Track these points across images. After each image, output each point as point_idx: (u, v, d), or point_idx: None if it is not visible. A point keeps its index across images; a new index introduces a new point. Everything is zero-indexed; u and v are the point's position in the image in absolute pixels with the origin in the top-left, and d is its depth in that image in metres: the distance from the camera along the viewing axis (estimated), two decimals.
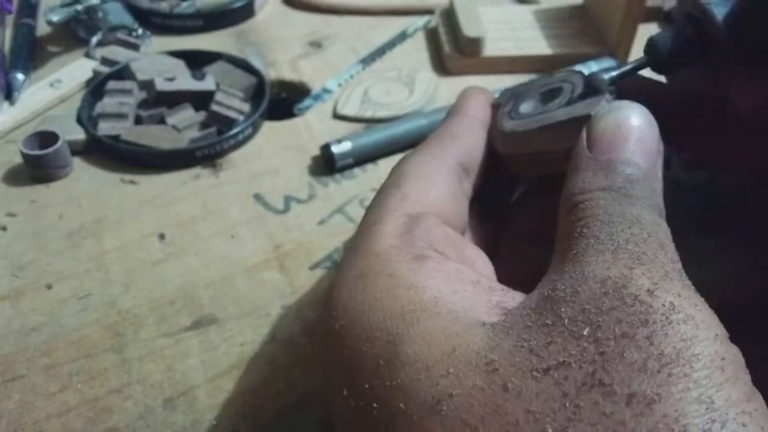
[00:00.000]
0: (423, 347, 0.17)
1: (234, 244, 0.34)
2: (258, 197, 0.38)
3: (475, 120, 0.26)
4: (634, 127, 0.20)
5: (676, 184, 0.33)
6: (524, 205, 0.28)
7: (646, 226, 0.18)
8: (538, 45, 0.49)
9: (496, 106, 0.27)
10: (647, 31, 0.54)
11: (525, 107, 0.25)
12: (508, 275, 0.22)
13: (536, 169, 0.26)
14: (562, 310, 0.16)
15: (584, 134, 0.21)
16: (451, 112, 0.27)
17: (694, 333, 0.15)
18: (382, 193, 0.23)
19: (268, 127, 0.43)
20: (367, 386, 0.17)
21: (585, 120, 0.21)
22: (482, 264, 0.22)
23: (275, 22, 0.56)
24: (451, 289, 0.19)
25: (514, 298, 0.19)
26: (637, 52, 0.48)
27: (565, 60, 0.47)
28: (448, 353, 0.17)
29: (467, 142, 0.25)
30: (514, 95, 0.26)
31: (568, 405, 0.15)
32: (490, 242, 0.26)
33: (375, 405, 0.17)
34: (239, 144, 0.41)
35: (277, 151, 0.41)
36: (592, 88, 0.23)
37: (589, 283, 0.17)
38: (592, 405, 0.15)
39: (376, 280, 0.19)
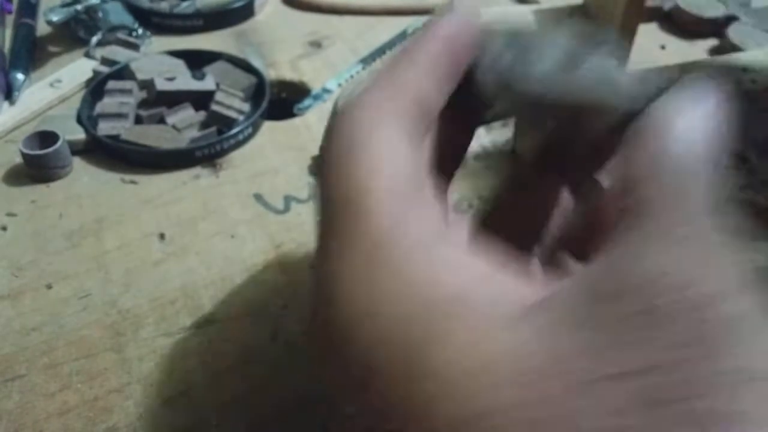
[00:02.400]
0: (450, 354, 0.15)
1: (234, 244, 0.34)
2: (258, 197, 0.38)
3: (441, 63, 0.21)
4: (696, 115, 0.18)
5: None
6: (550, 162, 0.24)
7: (710, 221, 0.16)
8: None
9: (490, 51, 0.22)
10: (647, 31, 0.54)
11: (545, 60, 0.21)
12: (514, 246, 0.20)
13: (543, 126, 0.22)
14: (619, 304, 0.14)
15: (646, 114, 0.18)
16: (415, 40, 0.21)
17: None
18: (347, 155, 0.18)
19: (268, 127, 0.43)
20: (380, 401, 0.15)
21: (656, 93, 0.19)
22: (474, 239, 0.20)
23: (275, 22, 0.56)
24: (471, 279, 0.16)
25: (537, 289, 0.16)
26: (637, 52, 0.48)
27: None
28: (481, 361, 0.14)
29: (424, 89, 0.20)
30: (515, 45, 0.21)
31: (650, 417, 0.13)
32: (447, 204, 0.22)
33: (392, 420, 0.15)
34: (239, 144, 0.41)
35: (277, 151, 0.41)
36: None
37: (654, 277, 0.14)
38: (679, 416, 0.13)
39: (381, 276, 0.16)
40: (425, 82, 0.20)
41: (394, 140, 0.19)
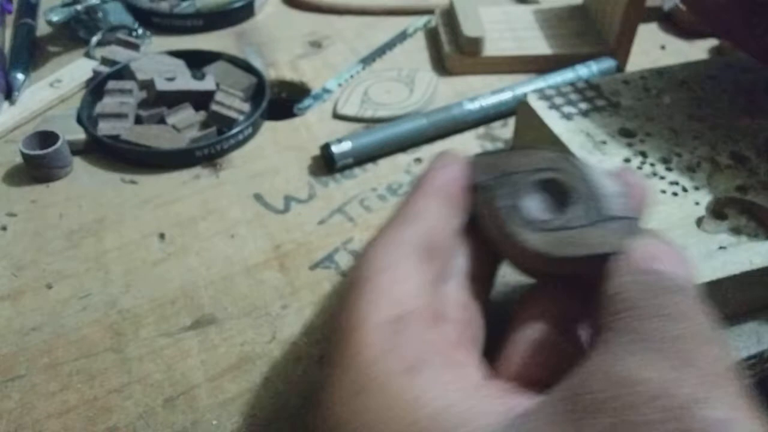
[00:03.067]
0: None
1: (234, 244, 0.34)
2: (258, 197, 0.38)
3: (442, 197, 0.24)
4: (669, 254, 0.20)
5: None
6: (543, 290, 0.25)
7: (691, 319, 0.17)
8: (538, 45, 0.49)
9: (478, 188, 0.24)
10: (647, 31, 0.54)
11: (532, 208, 0.23)
12: (520, 367, 0.21)
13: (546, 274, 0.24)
14: (598, 417, 0.15)
15: (620, 251, 0.20)
16: (416, 186, 0.24)
17: None
18: (353, 289, 0.21)
19: (268, 127, 0.43)
20: None
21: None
22: (474, 362, 0.21)
23: (275, 22, 0.56)
24: (452, 399, 0.17)
25: (522, 401, 0.18)
26: (637, 52, 0.48)
27: (565, 60, 0.47)
28: None
29: (430, 222, 0.23)
30: (502, 177, 0.24)
31: None
32: (477, 327, 0.24)
33: None
34: (239, 144, 0.41)
35: (277, 151, 0.41)
36: (597, 191, 0.23)
37: (629, 386, 0.15)
38: None
39: (369, 399, 0.18)
40: (432, 221, 0.23)
41: (401, 274, 0.21)
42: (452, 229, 0.24)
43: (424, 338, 0.19)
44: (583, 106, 0.37)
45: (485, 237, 0.24)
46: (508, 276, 0.29)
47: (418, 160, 0.41)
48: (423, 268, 0.22)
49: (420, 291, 0.21)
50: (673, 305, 0.17)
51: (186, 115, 0.42)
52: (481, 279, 0.24)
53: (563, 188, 0.23)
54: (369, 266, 0.21)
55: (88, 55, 0.49)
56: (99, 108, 0.42)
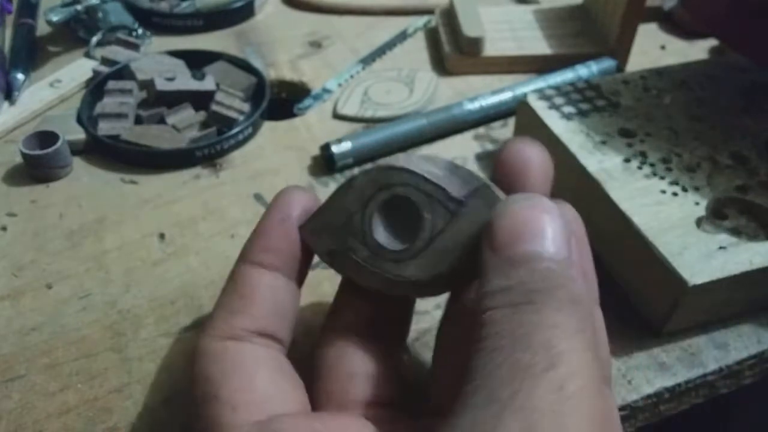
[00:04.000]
0: None
1: (234, 244, 0.34)
2: (258, 197, 0.38)
3: (276, 267, 0.22)
4: (532, 216, 0.18)
5: None
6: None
7: (534, 339, 0.15)
8: (538, 45, 0.49)
9: (328, 256, 0.23)
10: (647, 31, 0.54)
11: (389, 240, 0.22)
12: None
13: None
14: None
15: (485, 235, 0.19)
16: (240, 256, 0.23)
17: None
18: (203, 410, 0.20)
19: (268, 127, 0.43)
20: None
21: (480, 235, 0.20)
22: None
23: (275, 22, 0.56)
24: None
25: None
26: (637, 52, 0.48)
27: (565, 60, 0.47)
28: None
29: (267, 302, 0.22)
30: (342, 231, 0.22)
31: None
32: (391, 383, 0.22)
33: None
34: (239, 144, 0.41)
35: (277, 151, 0.41)
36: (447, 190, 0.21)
37: None
38: None
39: None
40: (269, 299, 0.22)
41: (249, 375, 0.20)
42: (293, 299, 0.23)
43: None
44: (583, 106, 0.37)
45: (368, 288, 0.23)
46: None
47: None
48: (275, 359, 0.21)
49: (281, 381, 0.20)
50: (529, 319, 0.16)
51: (186, 115, 0.42)
52: (390, 318, 0.23)
53: (402, 201, 0.21)
54: (211, 378, 0.20)
55: (88, 55, 0.49)
56: (99, 108, 0.42)
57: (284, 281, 0.22)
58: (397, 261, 0.21)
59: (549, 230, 0.18)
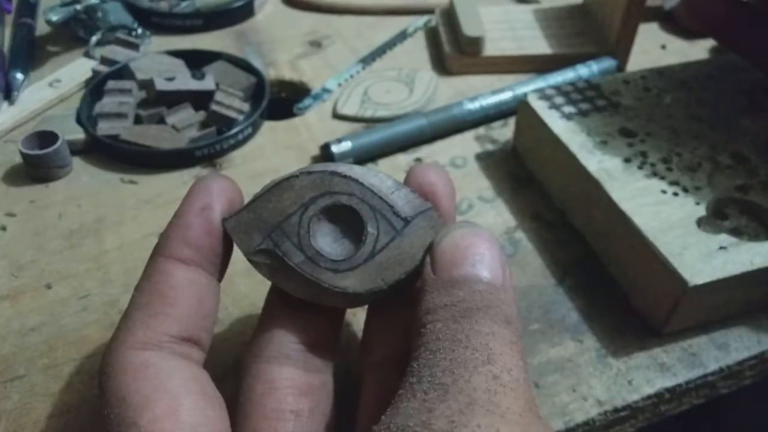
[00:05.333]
0: None
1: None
2: None
3: (193, 261, 0.20)
4: (473, 242, 0.19)
5: None
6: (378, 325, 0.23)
7: (473, 341, 0.17)
8: (538, 45, 0.49)
9: (258, 256, 0.21)
10: (647, 31, 0.54)
11: (329, 247, 0.21)
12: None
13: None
14: None
15: (428, 258, 0.20)
16: (156, 249, 0.21)
17: None
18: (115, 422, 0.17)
19: (268, 126, 0.43)
20: None
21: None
22: None
23: (275, 21, 0.56)
24: None
25: None
26: (637, 51, 0.48)
27: (566, 59, 0.47)
28: None
29: (189, 300, 0.20)
30: (277, 232, 0.21)
31: None
32: (325, 404, 0.21)
33: None
34: (239, 144, 0.41)
35: (277, 150, 0.41)
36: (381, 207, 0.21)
37: None
38: None
39: None
40: (187, 304, 0.20)
41: (171, 395, 0.18)
42: (215, 298, 0.21)
43: None
44: (584, 106, 0.37)
45: (294, 295, 0.21)
46: None
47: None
48: (199, 375, 0.19)
49: (208, 403, 0.19)
50: (463, 326, 0.17)
51: (185, 115, 0.42)
52: (317, 343, 0.22)
53: (344, 210, 0.21)
54: (128, 400, 0.17)
55: (87, 54, 0.49)
56: (98, 108, 0.42)
57: (206, 278, 0.20)
58: (335, 271, 0.20)
59: (487, 256, 0.19)
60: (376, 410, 0.19)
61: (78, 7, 0.50)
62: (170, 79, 0.42)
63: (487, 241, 0.19)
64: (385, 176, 0.21)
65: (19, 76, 0.45)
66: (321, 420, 0.21)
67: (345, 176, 0.21)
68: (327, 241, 0.21)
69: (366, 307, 0.23)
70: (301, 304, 0.21)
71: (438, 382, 0.16)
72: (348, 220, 0.21)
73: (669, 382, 0.28)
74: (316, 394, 0.21)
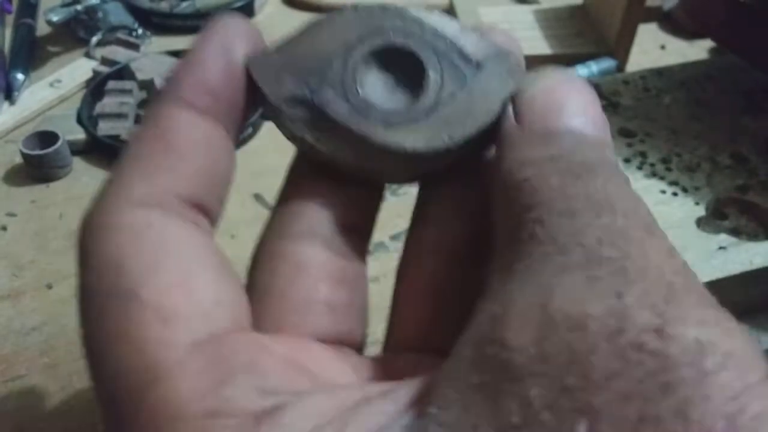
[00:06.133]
0: None
1: (234, 244, 0.34)
2: (258, 197, 0.37)
3: (210, 110, 0.16)
4: (570, 90, 0.15)
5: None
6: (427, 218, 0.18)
7: (619, 206, 0.12)
8: (538, 45, 0.49)
9: (288, 107, 0.17)
10: (647, 31, 0.54)
11: (380, 97, 0.17)
12: (423, 329, 0.16)
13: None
14: (523, 383, 0.10)
15: (510, 109, 0.15)
16: (163, 94, 0.16)
17: (744, 380, 0.09)
18: (108, 313, 0.13)
19: (268, 126, 0.43)
20: None
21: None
22: (337, 363, 0.15)
23: (275, 22, 0.56)
24: None
25: (421, 385, 0.12)
26: (637, 52, 0.48)
27: (565, 60, 0.47)
28: None
29: (201, 156, 0.15)
30: (318, 77, 0.17)
31: None
32: (360, 299, 0.17)
33: None
34: (239, 144, 0.41)
35: (277, 151, 0.41)
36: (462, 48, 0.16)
37: (561, 332, 0.10)
38: None
39: None
40: (200, 159, 0.15)
41: (182, 262, 0.13)
42: (231, 161, 0.17)
43: (264, 363, 0.13)
44: None
45: (328, 164, 0.17)
46: None
47: None
48: (210, 245, 0.15)
49: (222, 287, 0.14)
50: (594, 191, 0.12)
51: None
52: (354, 226, 0.17)
53: (404, 53, 0.17)
54: (125, 267, 0.13)
55: (88, 55, 0.49)
56: (99, 108, 0.42)
57: (223, 134, 0.16)
58: (388, 124, 0.16)
59: (591, 109, 0.14)
60: (427, 305, 0.16)
61: (78, 7, 0.50)
62: None
63: (586, 90, 0.15)
64: (448, 18, 0.17)
65: (20, 76, 0.45)
66: (358, 318, 0.16)
67: (399, 11, 0.17)
68: (378, 91, 0.17)
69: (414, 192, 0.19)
70: (335, 175, 0.17)
71: (602, 255, 0.11)
72: (404, 67, 0.17)
73: None
74: (352, 285, 0.17)
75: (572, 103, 0.14)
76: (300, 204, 0.17)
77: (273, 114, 0.17)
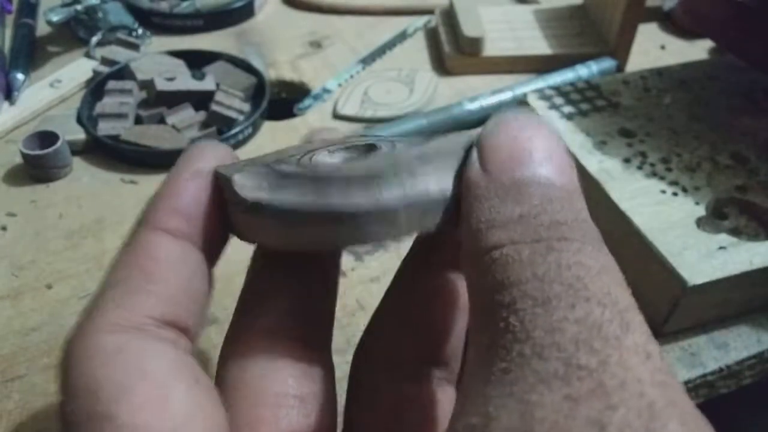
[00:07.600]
0: None
1: (234, 244, 0.34)
2: None
3: (183, 233, 0.17)
4: (534, 135, 0.14)
5: None
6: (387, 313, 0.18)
7: (593, 288, 0.12)
8: (538, 45, 0.49)
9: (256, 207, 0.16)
10: (647, 31, 0.54)
11: (324, 159, 0.17)
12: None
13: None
14: None
15: (474, 156, 0.15)
16: (139, 221, 0.17)
17: None
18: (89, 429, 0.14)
19: (268, 127, 0.43)
20: None
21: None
22: None
23: (275, 22, 0.56)
24: None
25: None
26: (637, 52, 0.48)
27: (565, 60, 0.47)
28: None
29: (177, 277, 0.16)
30: (262, 161, 0.17)
31: None
32: (329, 404, 0.17)
33: None
34: (239, 144, 0.41)
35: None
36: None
37: None
38: None
39: None
40: (174, 283, 0.16)
41: (157, 380, 0.14)
42: (207, 280, 0.17)
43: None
44: (583, 106, 0.37)
45: (283, 242, 0.17)
46: None
47: None
48: (188, 365, 0.15)
49: (200, 403, 0.14)
50: (566, 268, 0.12)
51: (186, 115, 0.42)
52: (319, 314, 0.18)
53: (361, 144, 0.17)
54: (104, 390, 0.14)
55: (88, 55, 0.49)
56: (99, 108, 0.42)
57: (197, 255, 0.17)
58: (347, 182, 0.15)
59: (556, 152, 0.14)
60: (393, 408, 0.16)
61: (78, 7, 0.50)
62: (170, 80, 0.43)
63: (550, 132, 0.14)
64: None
65: (20, 76, 0.45)
66: (326, 407, 0.17)
67: (364, 136, 0.17)
68: (329, 161, 0.17)
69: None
70: (292, 265, 0.18)
71: (579, 363, 0.11)
72: (360, 150, 0.17)
73: None
74: (318, 375, 0.17)
75: (538, 149, 0.14)
76: (262, 300, 0.18)
77: (235, 198, 0.16)
